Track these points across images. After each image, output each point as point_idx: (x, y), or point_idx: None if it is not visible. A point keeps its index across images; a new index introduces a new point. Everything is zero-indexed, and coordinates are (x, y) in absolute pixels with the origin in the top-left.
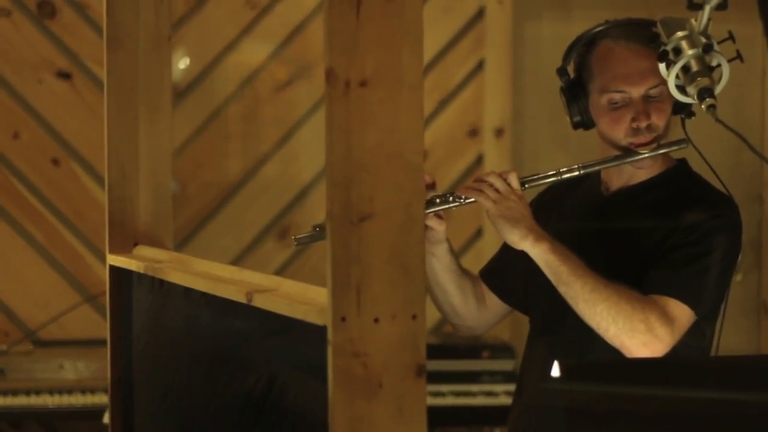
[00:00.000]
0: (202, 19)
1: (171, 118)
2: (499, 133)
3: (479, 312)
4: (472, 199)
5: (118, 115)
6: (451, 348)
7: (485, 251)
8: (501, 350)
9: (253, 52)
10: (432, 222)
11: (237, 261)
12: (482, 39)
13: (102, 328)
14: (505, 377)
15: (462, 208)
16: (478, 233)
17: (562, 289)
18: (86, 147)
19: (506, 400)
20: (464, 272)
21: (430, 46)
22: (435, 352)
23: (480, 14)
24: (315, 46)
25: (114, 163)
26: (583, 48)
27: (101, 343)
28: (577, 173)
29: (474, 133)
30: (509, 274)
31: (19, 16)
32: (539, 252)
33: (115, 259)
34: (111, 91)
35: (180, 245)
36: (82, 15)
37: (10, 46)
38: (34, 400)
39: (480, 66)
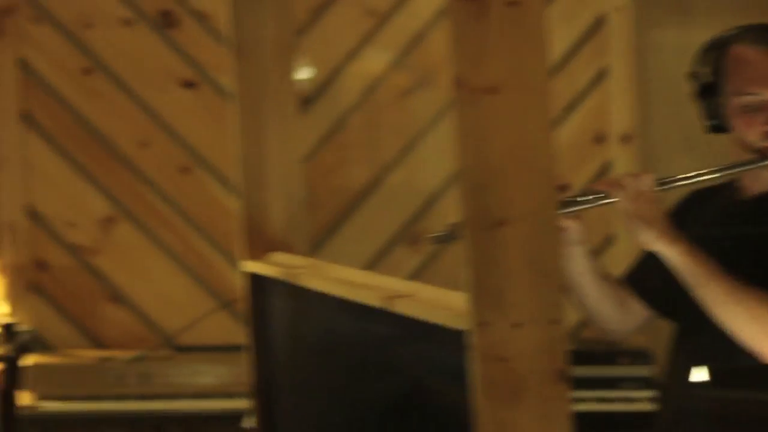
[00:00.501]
0: (322, 28)
1: (298, 125)
2: (626, 139)
3: (622, 316)
4: (605, 201)
5: (246, 122)
6: (588, 354)
7: (617, 260)
8: (638, 356)
9: (374, 60)
10: (567, 223)
11: (368, 267)
12: (604, 47)
13: (236, 333)
14: (644, 383)
15: (590, 216)
16: (608, 241)
17: (698, 292)
18: (213, 155)
19: (645, 407)
20: (606, 275)
21: (551, 53)
22: (571, 357)
23: (600, 22)
24: (435, 54)
25: (245, 171)
26: (715, 52)
27: (237, 348)
28: (712, 176)
29: (600, 139)
30: (653, 279)
31: (140, 27)
32: (673, 254)
33: (251, 266)
34: (239, 99)
35: (311, 251)
36: (203, 24)
37: (134, 56)
38: (176, 405)
39: (603, 73)
